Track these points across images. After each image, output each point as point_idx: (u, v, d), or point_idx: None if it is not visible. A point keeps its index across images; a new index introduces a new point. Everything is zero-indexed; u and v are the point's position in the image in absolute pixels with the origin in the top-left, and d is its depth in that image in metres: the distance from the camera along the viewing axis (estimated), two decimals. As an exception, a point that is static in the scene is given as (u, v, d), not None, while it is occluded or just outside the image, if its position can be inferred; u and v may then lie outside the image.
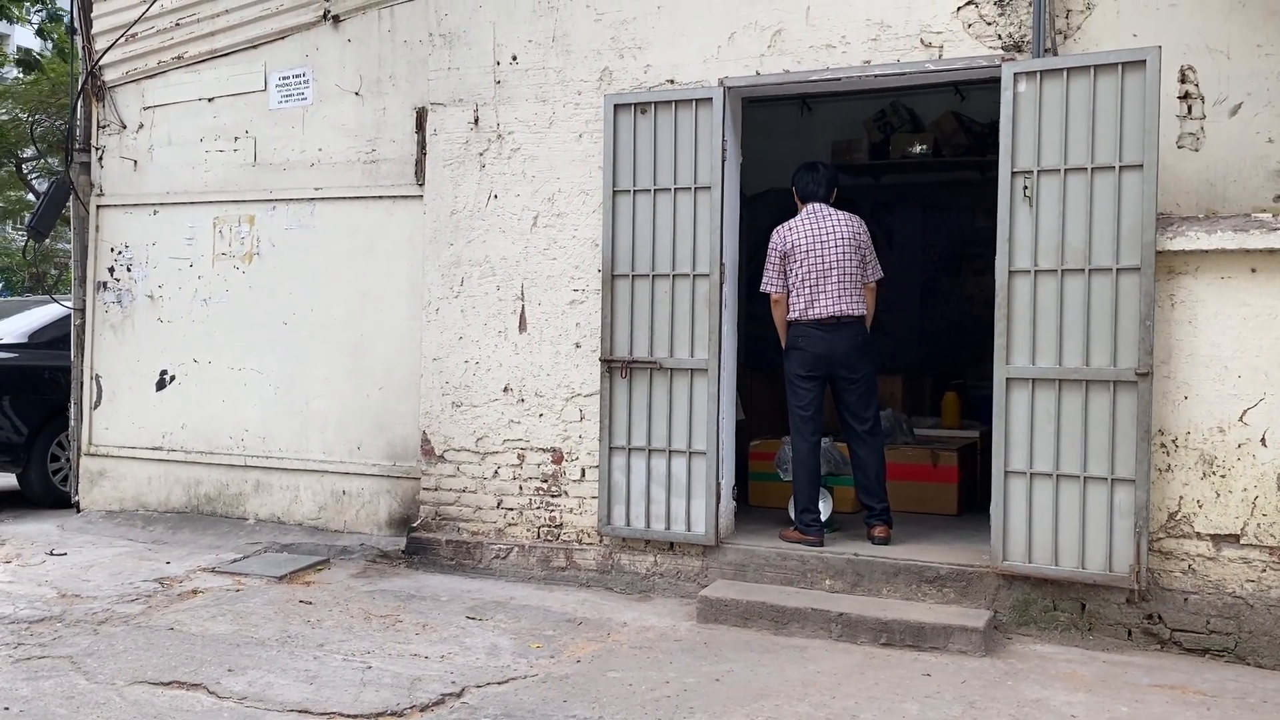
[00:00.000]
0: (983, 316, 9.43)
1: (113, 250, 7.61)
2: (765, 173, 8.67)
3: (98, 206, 7.66)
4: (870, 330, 5.79)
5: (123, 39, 7.40)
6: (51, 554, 6.50)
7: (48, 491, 8.09)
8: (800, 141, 8.97)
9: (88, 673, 4.40)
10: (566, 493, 6.00)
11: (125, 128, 7.55)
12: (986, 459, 7.17)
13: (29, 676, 4.33)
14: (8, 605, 5.35)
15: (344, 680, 4.34)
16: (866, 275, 5.68)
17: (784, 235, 5.71)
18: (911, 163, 8.71)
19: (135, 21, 7.31)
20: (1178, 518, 4.81)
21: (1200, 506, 4.78)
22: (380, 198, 6.76)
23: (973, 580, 5.15)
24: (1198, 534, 4.78)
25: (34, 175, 21.69)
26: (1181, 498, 4.81)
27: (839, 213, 5.70)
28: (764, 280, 5.75)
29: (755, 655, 4.75)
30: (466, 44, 6.22)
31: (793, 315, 5.68)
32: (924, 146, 8.64)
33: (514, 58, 6.11)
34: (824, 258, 5.58)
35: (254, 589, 5.75)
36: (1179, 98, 4.96)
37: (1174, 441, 4.82)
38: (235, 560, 6.32)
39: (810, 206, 5.73)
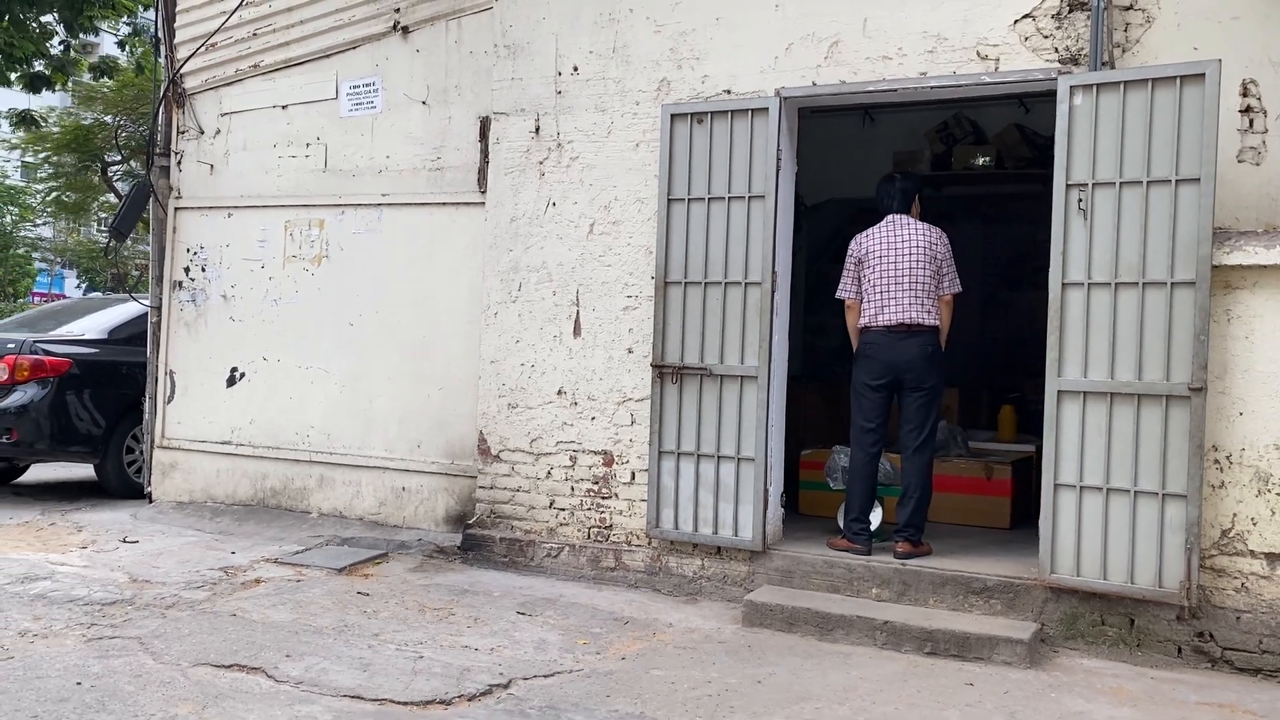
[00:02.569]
0: (1043, 330, 9.37)
1: (189, 251, 7.90)
2: (826, 183, 8.72)
3: (175, 209, 7.97)
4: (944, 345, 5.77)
5: (203, 48, 7.69)
6: (124, 541, 6.78)
7: (123, 482, 8.40)
8: (862, 152, 8.98)
9: (155, 653, 4.59)
10: (617, 495, 6.10)
11: (203, 133, 7.85)
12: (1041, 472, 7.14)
13: (100, 655, 4.54)
14: (83, 588, 5.60)
15: (396, 669, 4.48)
16: (942, 287, 5.68)
17: (860, 242, 5.78)
18: (974, 174, 8.67)
19: (215, 31, 7.60)
20: (1231, 535, 4.76)
21: (1254, 524, 4.72)
22: (444, 204, 6.94)
23: (1020, 592, 5.14)
24: (1251, 552, 4.72)
25: (118, 179, 22.47)
26: (1235, 515, 4.76)
27: (918, 224, 5.74)
28: (839, 286, 5.82)
29: (798, 659, 4.80)
30: (529, 55, 6.37)
31: (863, 321, 5.73)
32: (987, 158, 8.61)
33: (575, 68, 6.25)
34: (896, 265, 5.61)
35: (314, 580, 5.94)
36: (1240, 111, 4.91)
37: (1228, 458, 4.77)
38: (297, 552, 6.52)
39: (889, 217, 5.78)
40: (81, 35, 15.49)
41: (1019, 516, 6.57)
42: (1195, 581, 4.71)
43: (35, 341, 8.19)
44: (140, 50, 17.62)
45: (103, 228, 31.18)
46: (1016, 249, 9.35)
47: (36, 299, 35.22)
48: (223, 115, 7.79)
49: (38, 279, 38.87)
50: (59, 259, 39.56)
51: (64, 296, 36.47)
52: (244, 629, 4.98)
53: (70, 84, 17.29)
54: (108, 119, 20.74)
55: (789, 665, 4.71)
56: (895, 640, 4.99)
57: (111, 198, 23.58)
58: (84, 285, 37.91)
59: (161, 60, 8.07)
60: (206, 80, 7.84)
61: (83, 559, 6.29)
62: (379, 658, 4.62)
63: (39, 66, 15.23)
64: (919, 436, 5.59)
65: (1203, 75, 4.71)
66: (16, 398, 7.94)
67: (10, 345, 8.10)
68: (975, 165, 8.60)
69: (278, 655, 4.61)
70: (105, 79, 17.44)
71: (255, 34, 7.59)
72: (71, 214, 27.55)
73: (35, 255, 37.57)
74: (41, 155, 23.42)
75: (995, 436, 7.45)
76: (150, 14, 17.79)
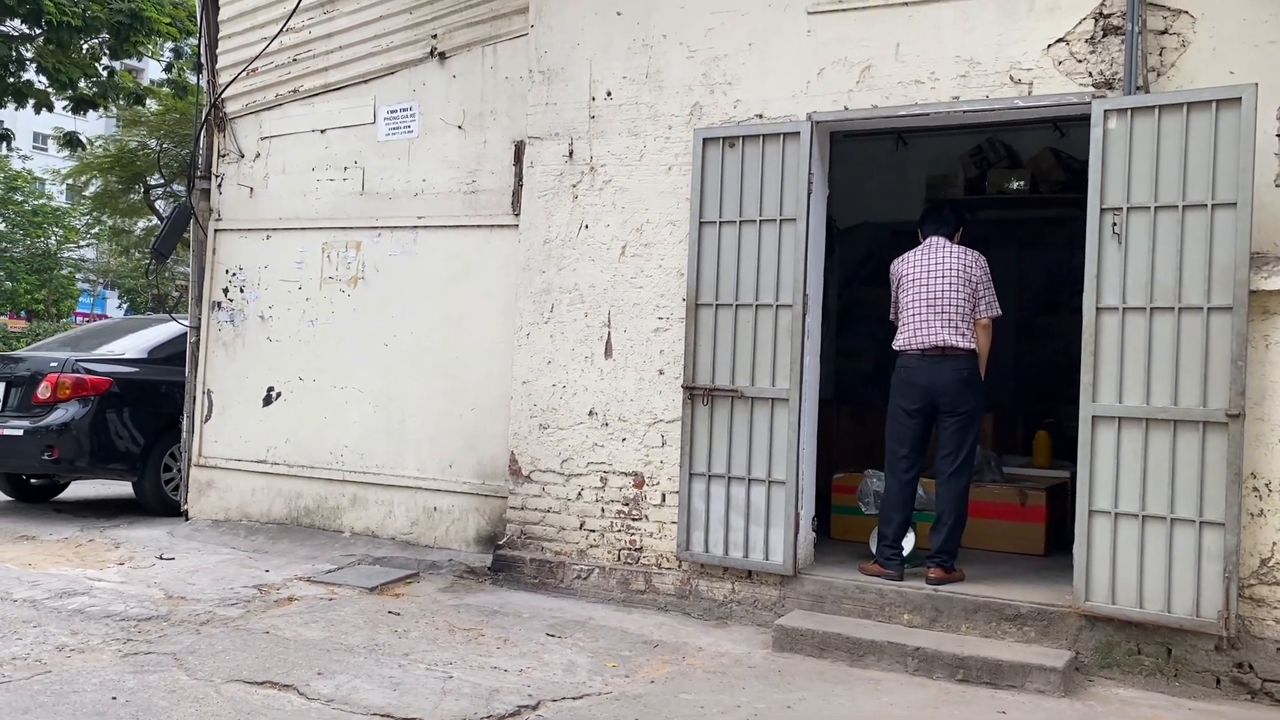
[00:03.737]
0: (1079, 355, 9.29)
1: (227, 272, 8.02)
2: (859, 206, 8.72)
3: (215, 231, 8.10)
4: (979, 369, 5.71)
5: (244, 74, 7.84)
6: (161, 558, 6.86)
7: (160, 500, 8.50)
8: (895, 176, 8.98)
9: (189, 669, 4.64)
10: (647, 517, 6.10)
11: (243, 157, 7.99)
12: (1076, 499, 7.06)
13: (136, 670, 4.60)
14: (119, 604, 5.67)
15: (426, 688, 4.50)
16: (978, 311, 5.65)
17: (896, 265, 5.80)
18: (1008, 198, 8.63)
19: (256, 57, 7.74)
20: (1270, 564, 4.68)
21: (1294, 553, 4.64)
22: (478, 226, 7.01)
23: (1054, 620, 5.08)
24: (1291, 582, 4.65)
25: (157, 199, 22.86)
26: (1275, 544, 4.68)
27: (956, 247, 5.72)
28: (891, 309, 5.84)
29: (829, 685, 4.77)
30: (564, 80, 6.44)
31: (898, 344, 5.70)
32: (1021, 182, 8.56)
33: (608, 93, 6.30)
34: (929, 288, 5.59)
35: (346, 599, 5.98)
36: (1278, 135, 4.86)
37: (1267, 486, 4.70)
38: (330, 571, 6.57)
39: (928, 240, 5.78)
40: (126, 60, 15.84)
41: (1054, 543, 6.50)
42: (1234, 611, 4.63)
43: (77, 360, 8.33)
44: (177, 73, 17.99)
45: (143, 249, 31.76)
46: (1052, 273, 9.29)
47: (79, 319, 35.89)
48: (263, 139, 7.92)
49: (80, 299, 39.60)
50: (101, 280, 40.27)
51: (106, 317, 37.11)
52: (277, 646, 5.02)
53: (115, 107, 17.68)
54: (151, 142, 21.17)
55: (819, 691, 4.68)
56: (927, 666, 4.94)
57: (154, 220, 24.01)
58: (125, 305, 38.55)
59: (204, 85, 8.23)
60: (247, 105, 7.98)
61: (120, 575, 6.38)
62: (409, 677, 4.64)
63: (83, 87, 15.58)
64: (954, 462, 5.54)
65: (1239, 99, 4.68)
66: (58, 415, 8.07)
67: (53, 364, 8.25)
68: (1010, 189, 8.56)
69: (309, 673, 4.64)
70: (139, 106, 17.81)
71: (295, 59, 7.73)
72: (128, 246, 28.10)
73: (79, 276, 38.30)
74: (85, 179, 23.97)
75: (1030, 462, 7.38)
76: (193, 39, 18.22)
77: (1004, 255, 9.40)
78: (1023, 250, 9.37)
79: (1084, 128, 8.23)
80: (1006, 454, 7.58)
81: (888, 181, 8.90)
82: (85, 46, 15.15)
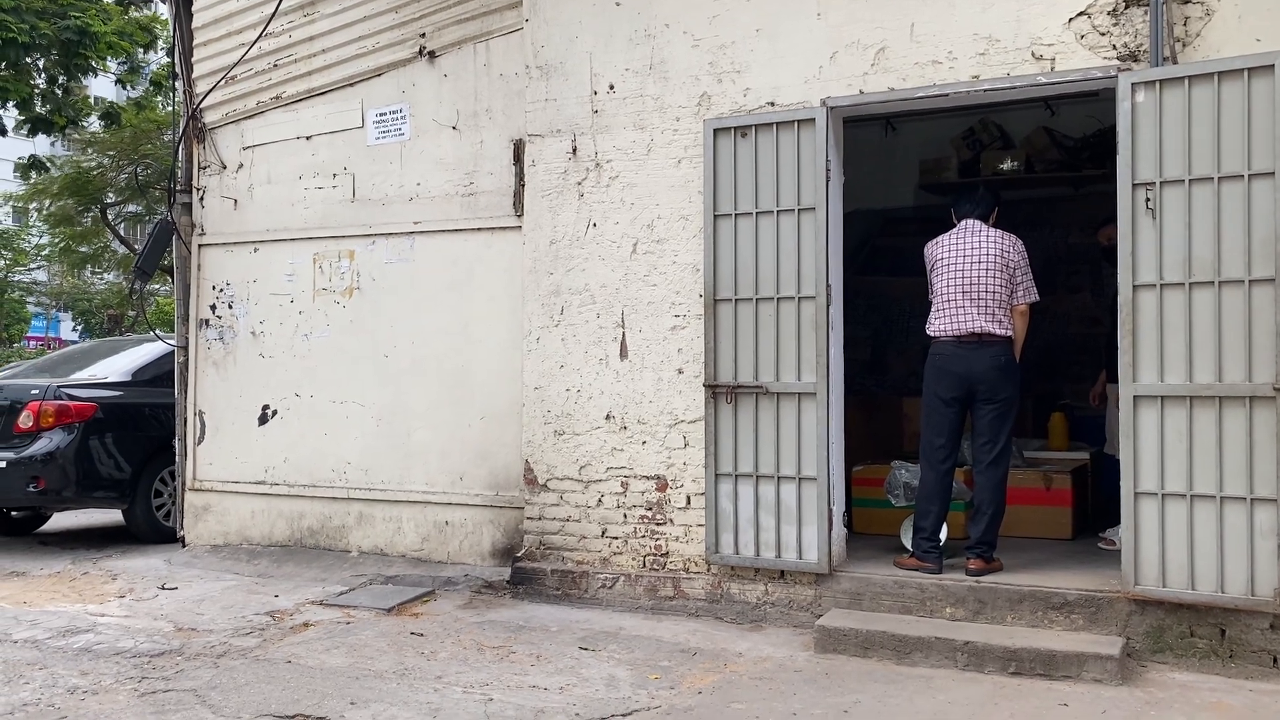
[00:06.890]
0: (1079, 335, 9.22)
1: (214, 288, 7.74)
2: (851, 194, 8.55)
3: (199, 246, 7.81)
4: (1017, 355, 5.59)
5: (223, 82, 7.56)
6: (163, 588, 6.58)
7: (152, 527, 8.20)
8: (885, 162, 8.86)
9: (213, 706, 4.41)
10: (672, 521, 5.93)
11: (225, 168, 7.71)
12: (1097, 481, 6.99)
13: (157, 710, 4.36)
14: (128, 639, 5.42)
15: (467, 713, 4.31)
16: (1016, 296, 5.51)
17: (930, 249, 5.65)
18: (1002, 179, 8.55)
19: (235, 64, 7.46)
20: (1324, 539, 4.60)
21: (1348, 526, 4.56)
22: (479, 229, 6.79)
23: (1102, 606, 4.97)
24: (1346, 555, 4.56)
25: (118, 221, 22.29)
26: (1327, 517, 4.60)
27: (992, 230, 5.58)
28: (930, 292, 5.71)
29: (880, 686, 4.63)
30: (563, 75, 6.25)
31: (932, 331, 5.55)
32: (1015, 163, 8.48)
33: (611, 87, 6.12)
34: (965, 273, 5.46)
35: (364, 621, 5.76)
36: (1309, 102, 4.77)
37: (1317, 459, 4.61)
38: (342, 593, 6.34)
39: (963, 222, 5.63)
40: (71, 78, 15.42)
41: (1079, 526, 6.42)
42: (1290, 588, 4.55)
43: (59, 387, 8.01)
44: (138, 90, 17.56)
45: (97, 270, 31.02)
46: (1049, 253, 9.21)
47: (32, 343, 35.05)
48: (245, 149, 7.64)
49: (33, 323, 38.70)
50: (54, 303, 39.37)
51: (60, 340, 36.27)
52: (301, 676, 4.80)
53: (67, 129, 17.20)
54: (105, 161, 20.62)
55: (873, 693, 4.54)
56: (978, 661, 4.82)
57: (114, 242, 23.42)
58: (80, 328, 37.74)
59: (180, 96, 7.93)
60: (227, 114, 7.70)
61: (123, 609, 6.11)
62: (447, 701, 4.44)
63: (39, 108, 15.15)
64: (992, 450, 5.41)
65: (1272, 66, 4.59)
66: (42, 445, 7.75)
67: (34, 391, 7.92)
68: (1004, 170, 8.47)
69: (341, 703, 4.44)
70: (113, 125, 17.31)
71: (276, 65, 7.46)
72: (85, 265, 27.44)
73: (30, 299, 37.41)
74: (39, 204, 23.31)
75: (1045, 445, 7.29)
76: (147, 54, 17.78)
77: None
78: (1019, 231, 9.18)
79: (1075, 105, 8.17)
80: (1019, 437, 7.48)
81: (878, 168, 8.77)
82: (41, 68, 14.73)
